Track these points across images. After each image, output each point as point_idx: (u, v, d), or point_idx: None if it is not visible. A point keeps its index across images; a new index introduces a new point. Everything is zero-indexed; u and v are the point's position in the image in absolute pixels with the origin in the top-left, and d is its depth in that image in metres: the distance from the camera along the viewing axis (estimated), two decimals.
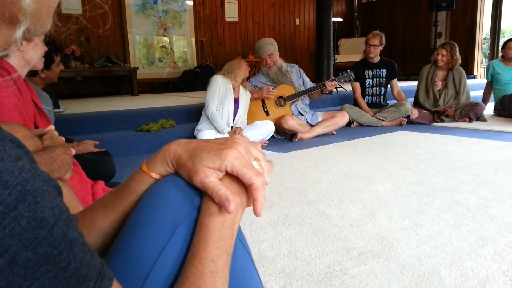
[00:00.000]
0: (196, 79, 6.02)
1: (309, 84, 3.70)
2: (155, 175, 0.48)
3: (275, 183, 2.05)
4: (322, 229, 1.43)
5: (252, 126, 3.25)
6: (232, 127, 3.17)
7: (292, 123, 3.32)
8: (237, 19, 6.92)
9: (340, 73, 3.62)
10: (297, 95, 3.51)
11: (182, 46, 6.43)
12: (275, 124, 3.37)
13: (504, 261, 1.15)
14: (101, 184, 1.38)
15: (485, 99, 4.59)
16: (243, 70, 3.21)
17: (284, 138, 3.48)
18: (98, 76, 5.42)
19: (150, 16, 6.03)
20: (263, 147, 3.11)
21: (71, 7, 5.14)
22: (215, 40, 6.75)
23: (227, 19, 6.79)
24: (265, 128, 3.27)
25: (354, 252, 1.25)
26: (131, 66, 5.55)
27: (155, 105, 3.76)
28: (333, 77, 3.54)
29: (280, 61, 3.58)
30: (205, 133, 3.01)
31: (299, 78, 3.67)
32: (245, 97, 3.28)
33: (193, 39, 6.47)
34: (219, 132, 3.06)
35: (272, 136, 3.41)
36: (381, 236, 1.36)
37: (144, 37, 6.01)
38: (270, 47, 3.52)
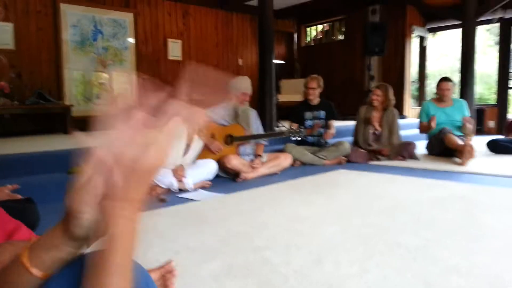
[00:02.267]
0: None
1: (261, 130, 3.78)
2: (37, 272, 0.42)
3: (219, 228, 1.96)
4: (268, 279, 1.36)
5: (194, 166, 3.15)
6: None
7: (235, 162, 3.28)
8: (180, 58, 6.91)
9: (292, 129, 3.78)
10: (247, 137, 3.52)
11: (122, 82, 6.25)
12: (218, 162, 3.30)
13: None
14: (22, 232, 1.21)
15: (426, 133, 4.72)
16: None
17: (227, 177, 3.42)
18: (29, 114, 5.06)
19: (89, 53, 5.84)
20: (205, 188, 3.02)
21: (2, 42, 4.85)
22: (158, 78, 6.65)
23: (170, 57, 6.76)
24: (207, 168, 3.18)
25: None
26: (66, 103, 5.27)
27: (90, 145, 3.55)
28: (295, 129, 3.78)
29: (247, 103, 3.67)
30: None
31: (255, 123, 3.71)
32: (197, 145, 3.22)
33: (134, 77, 6.33)
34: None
35: (217, 175, 3.33)
36: (329, 285, 1.31)
37: (81, 73, 5.78)
38: (250, 87, 3.63)
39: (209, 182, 3.12)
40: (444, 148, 4.24)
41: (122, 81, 6.23)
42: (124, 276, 0.39)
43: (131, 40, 6.27)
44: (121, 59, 6.19)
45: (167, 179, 2.80)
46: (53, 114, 5.20)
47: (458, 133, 4.39)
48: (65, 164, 3.09)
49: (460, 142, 4.07)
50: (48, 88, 5.32)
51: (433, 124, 4.32)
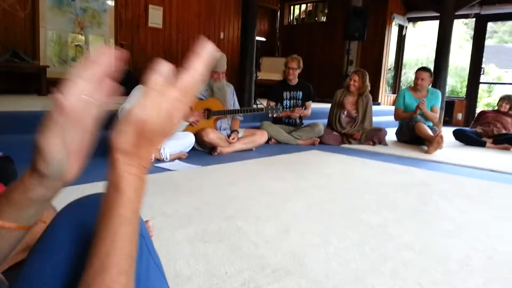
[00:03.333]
0: None
1: (238, 107, 3.84)
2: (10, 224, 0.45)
3: (194, 197, 2.05)
4: (239, 245, 1.47)
5: (171, 137, 3.20)
6: None
7: (212, 136, 3.35)
8: (161, 26, 6.79)
9: (269, 106, 3.87)
10: (225, 112, 3.58)
11: (99, 46, 6.11)
12: (196, 135, 3.36)
13: (399, 278, 1.29)
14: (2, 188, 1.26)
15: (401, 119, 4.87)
16: None
17: (204, 150, 3.49)
18: (2, 72, 4.91)
19: (67, 12, 5.65)
20: (182, 159, 3.08)
21: None
22: (137, 45, 6.54)
23: (150, 24, 6.63)
24: (185, 140, 3.24)
25: (269, 269, 1.29)
26: (41, 64, 5.13)
27: None
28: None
29: (224, 78, 3.68)
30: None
31: (231, 99, 3.74)
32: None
33: (112, 41, 6.20)
34: None
35: (193, 148, 3.39)
36: (294, 253, 1.43)
37: (57, 33, 5.60)
38: (225, 64, 3.64)
39: (186, 154, 3.18)
40: (413, 136, 4.43)
41: (99, 45, 6.09)
42: (132, 226, 0.41)
43: (110, 2, 6.10)
44: (99, 22, 6.03)
45: None
46: (28, 74, 5.07)
47: (428, 123, 4.59)
48: (39, 125, 3.07)
49: (430, 132, 4.24)
50: (23, 47, 5.15)
51: (421, 109, 4.48)
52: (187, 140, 3.23)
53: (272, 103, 4.09)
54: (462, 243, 1.62)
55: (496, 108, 5.21)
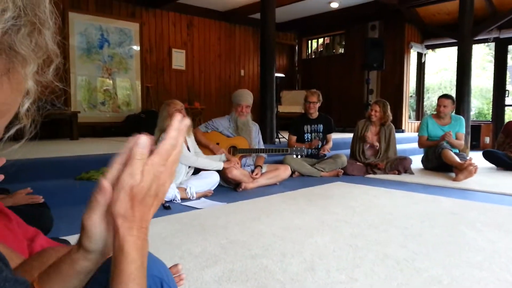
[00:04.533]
0: (140, 124, 5.98)
1: (262, 145, 3.94)
2: None
3: (220, 236, 2.09)
4: (265, 285, 1.49)
5: (197, 176, 3.28)
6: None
7: (236, 173, 3.41)
8: (184, 68, 7.08)
9: (294, 147, 3.95)
10: (250, 151, 3.69)
11: (126, 89, 6.40)
12: (220, 172, 3.43)
13: None
14: (40, 239, 1.32)
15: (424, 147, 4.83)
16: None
17: (229, 187, 3.55)
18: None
19: (95, 60, 6.00)
20: (208, 197, 3.15)
21: None
22: (161, 86, 6.82)
23: (174, 67, 6.93)
24: (210, 179, 3.31)
25: None
26: (72, 110, 5.41)
27: (97, 152, 3.68)
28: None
29: (249, 115, 3.79)
30: None
31: (256, 137, 3.85)
32: (191, 143, 3.35)
33: (138, 83, 6.49)
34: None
35: (219, 184, 3.46)
36: None
37: (87, 79, 5.93)
38: (250, 99, 3.78)
39: (211, 191, 3.26)
40: (440, 163, 4.36)
41: (126, 87, 6.39)
42: (139, 282, 0.46)
43: (136, 48, 6.44)
44: (126, 67, 6.35)
45: (170, 193, 2.93)
46: (60, 120, 5.35)
47: (455, 150, 4.52)
48: (72, 171, 3.23)
49: (457, 159, 4.17)
50: (56, 95, 5.46)
51: (448, 140, 4.43)
52: (213, 179, 3.31)
53: (294, 137, 4.17)
54: (492, 275, 1.59)
55: None
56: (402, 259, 1.78)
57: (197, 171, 3.36)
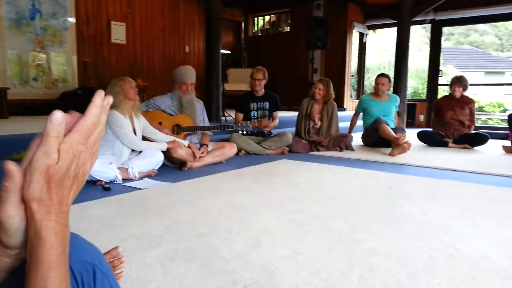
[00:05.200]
0: (76, 101, 5.64)
1: (207, 122, 3.83)
2: None
3: (164, 216, 2.04)
4: (211, 263, 1.48)
5: (140, 156, 3.16)
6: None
7: (181, 152, 3.34)
8: (124, 42, 6.73)
9: (240, 124, 3.90)
10: (195, 128, 3.59)
11: (61, 64, 5.98)
12: (164, 151, 3.32)
13: (367, 283, 1.33)
14: None
15: (351, 127, 5.19)
16: (131, 93, 3.07)
17: (173, 166, 3.47)
18: None
19: (26, 33, 5.52)
20: (151, 176, 3.06)
21: None
22: (100, 62, 6.45)
23: (113, 40, 6.56)
24: (154, 158, 3.18)
25: (240, 285, 1.31)
26: (1, 86, 4.97)
27: (29, 131, 3.43)
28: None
29: (194, 93, 3.67)
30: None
31: (201, 114, 3.75)
32: (139, 125, 3.19)
33: (75, 57, 6.08)
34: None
35: (163, 164, 3.37)
36: (265, 266, 1.45)
37: (17, 53, 5.45)
38: (194, 76, 3.64)
39: (155, 171, 3.16)
40: (378, 138, 4.59)
41: (61, 62, 5.97)
42: (60, 269, 0.41)
43: (72, 20, 6.00)
44: (61, 40, 5.91)
45: (111, 174, 2.80)
46: None
47: (392, 126, 4.77)
48: (2, 151, 2.99)
49: (393, 133, 4.40)
50: None
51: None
52: (156, 158, 3.19)
53: (240, 116, 4.14)
54: (425, 244, 1.69)
55: (449, 93, 5.18)
56: (343, 231, 1.84)
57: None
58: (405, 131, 4.79)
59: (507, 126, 4.85)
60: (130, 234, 1.76)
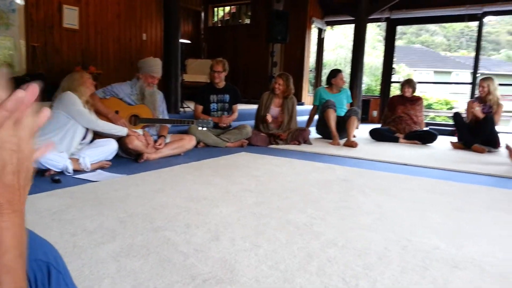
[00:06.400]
0: None
1: (166, 114, 3.73)
2: None
3: (118, 209, 1.96)
4: (168, 257, 1.44)
5: (92, 145, 3.02)
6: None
7: (137, 143, 3.23)
8: (77, 27, 6.39)
9: (200, 120, 3.80)
10: (153, 121, 3.48)
11: (7, 48, 5.60)
12: (119, 142, 3.20)
13: (325, 275, 1.35)
14: None
15: (310, 120, 5.35)
16: (87, 87, 2.98)
17: (129, 158, 3.35)
18: None
19: None
20: (104, 168, 2.94)
21: None
22: (50, 47, 6.09)
23: (65, 25, 6.22)
24: (107, 147, 3.05)
25: (199, 279, 1.29)
26: None
27: None
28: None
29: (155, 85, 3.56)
30: None
31: (161, 106, 3.64)
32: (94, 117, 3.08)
33: (23, 42, 5.71)
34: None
35: (118, 155, 3.25)
36: (224, 260, 1.43)
37: None
38: (160, 70, 3.53)
39: (109, 162, 3.04)
40: (325, 124, 4.89)
41: (7, 47, 5.59)
42: (15, 273, 0.38)
43: (20, 2, 5.62)
44: (7, 22, 5.52)
45: (61, 162, 2.66)
46: None
47: (340, 113, 5.11)
48: None
49: (333, 127, 4.76)
50: None
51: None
52: (109, 147, 3.06)
53: (200, 107, 4.08)
54: (380, 236, 1.74)
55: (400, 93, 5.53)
56: (302, 224, 1.86)
57: (91, 140, 3.10)
58: (357, 113, 5.05)
59: (454, 123, 5.12)
60: (82, 229, 1.68)
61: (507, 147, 3.69)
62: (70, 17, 6.28)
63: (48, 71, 5.86)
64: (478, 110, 4.59)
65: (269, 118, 4.50)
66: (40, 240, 0.56)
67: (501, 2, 6.79)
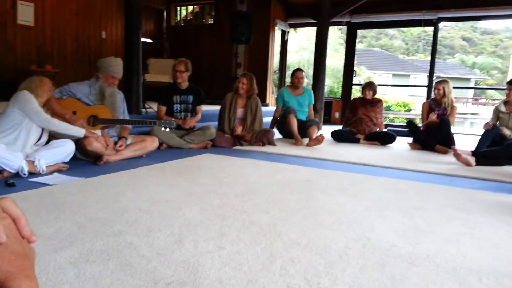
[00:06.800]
0: None
1: (127, 115, 3.63)
2: None
3: (76, 214, 1.90)
4: (130, 262, 1.41)
5: (47, 146, 2.90)
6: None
7: (96, 145, 3.13)
8: (32, 24, 6.12)
9: (163, 120, 3.72)
10: (113, 121, 3.38)
11: None
12: (77, 143, 3.08)
13: (287, 274, 1.37)
14: None
15: (273, 122, 5.43)
16: (46, 90, 2.87)
17: (87, 160, 3.25)
18: None
19: None
20: (61, 171, 2.83)
21: None
22: (3, 44, 5.80)
23: (19, 22, 5.94)
24: (64, 148, 2.91)
25: (162, 283, 1.27)
26: None
27: None
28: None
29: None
30: None
31: (121, 106, 3.54)
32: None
33: None
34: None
35: (75, 157, 3.13)
36: (188, 263, 1.42)
37: None
38: (121, 71, 3.45)
39: (66, 165, 2.92)
40: (288, 129, 5.00)
41: None
42: None
43: None
44: None
45: (16, 163, 2.54)
46: None
47: (303, 119, 5.28)
48: None
49: (295, 130, 4.87)
50: None
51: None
52: (66, 148, 2.92)
53: (163, 108, 4.02)
54: (341, 235, 1.79)
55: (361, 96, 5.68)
56: (265, 225, 1.87)
57: (47, 142, 2.97)
58: (318, 124, 5.23)
59: (409, 131, 5.34)
60: (39, 234, 1.60)
61: (454, 151, 3.88)
62: (25, 14, 6.02)
63: (1, 70, 5.58)
64: (433, 117, 4.81)
65: (238, 130, 4.50)
66: None
67: (454, 8, 7.14)
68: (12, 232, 0.42)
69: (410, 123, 5.20)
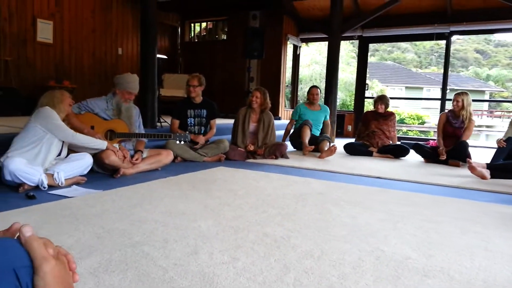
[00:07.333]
0: None
1: (143, 129, 3.73)
2: None
3: (95, 225, 1.95)
4: (147, 272, 1.44)
5: (66, 160, 2.98)
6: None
7: (114, 158, 3.21)
8: (51, 41, 6.33)
9: (178, 133, 3.79)
10: (129, 135, 3.47)
11: None
12: (95, 157, 3.17)
13: (301, 286, 1.39)
14: None
15: (286, 135, 5.56)
16: (66, 106, 2.97)
17: (104, 173, 3.32)
18: None
19: None
20: (80, 184, 2.90)
21: None
22: (23, 61, 6.00)
23: (39, 39, 6.15)
24: (82, 161, 2.99)
25: None
26: None
27: None
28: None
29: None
30: (16, 160, 2.61)
31: (137, 121, 3.63)
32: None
33: None
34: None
35: (93, 170, 3.21)
36: (203, 274, 1.45)
37: None
38: (138, 87, 3.57)
39: (84, 178, 3.00)
40: (300, 140, 5.12)
41: None
42: None
43: None
44: None
45: (36, 176, 2.62)
46: None
47: (316, 132, 5.42)
48: None
49: (306, 141, 4.99)
50: None
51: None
52: (84, 161, 3.00)
53: (176, 122, 4.10)
54: (354, 247, 1.80)
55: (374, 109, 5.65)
56: (279, 237, 1.90)
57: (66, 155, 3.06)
58: (329, 139, 5.30)
59: (425, 138, 5.31)
60: (59, 245, 1.66)
61: (469, 163, 3.83)
62: (44, 31, 6.23)
63: (20, 85, 5.76)
64: (442, 158, 4.74)
65: (251, 148, 4.55)
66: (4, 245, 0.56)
67: (466, 22, 7.15)
68: (66, 266, 0.55)
69: (417, 146, 5.09)
